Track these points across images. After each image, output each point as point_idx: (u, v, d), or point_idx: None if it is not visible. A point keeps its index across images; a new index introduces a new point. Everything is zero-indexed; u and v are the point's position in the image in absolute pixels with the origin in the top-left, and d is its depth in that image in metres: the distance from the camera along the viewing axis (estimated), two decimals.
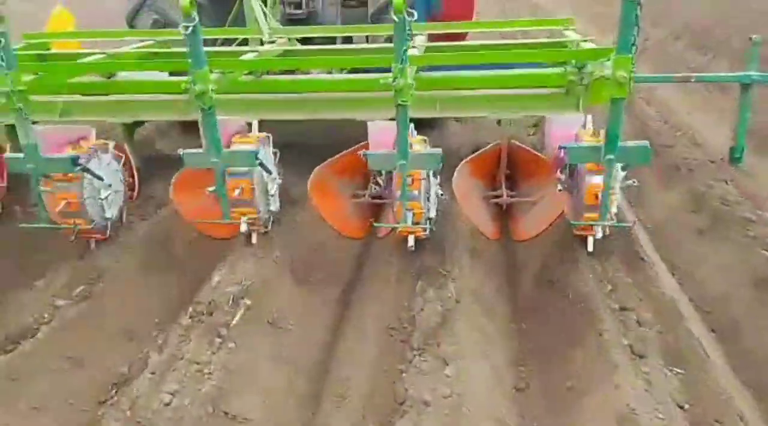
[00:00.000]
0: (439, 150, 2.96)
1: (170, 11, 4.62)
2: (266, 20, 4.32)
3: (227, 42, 4.62)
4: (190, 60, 2.74)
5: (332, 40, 4.58)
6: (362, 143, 3.17)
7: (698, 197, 3.75)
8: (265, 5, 4.45)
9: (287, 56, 3.96)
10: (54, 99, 3.61)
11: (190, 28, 2.62)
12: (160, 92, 3.59)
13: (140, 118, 3.90)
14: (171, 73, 3.66)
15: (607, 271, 3.03)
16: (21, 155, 2.99)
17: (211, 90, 2.77)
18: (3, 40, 2.76)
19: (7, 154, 3.19)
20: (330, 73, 3.98)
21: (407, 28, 2.59)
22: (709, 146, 4.58)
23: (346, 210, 3.47)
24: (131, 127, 3.95)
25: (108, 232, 3.34)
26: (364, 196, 3.42)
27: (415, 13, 2.58)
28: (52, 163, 3.03)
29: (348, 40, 4.70)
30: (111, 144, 3.38)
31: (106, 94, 3.71)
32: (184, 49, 2.78)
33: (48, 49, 4.46)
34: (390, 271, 3.20)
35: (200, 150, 2.98)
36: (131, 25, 4.84)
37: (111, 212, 3.34)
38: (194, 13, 2.61)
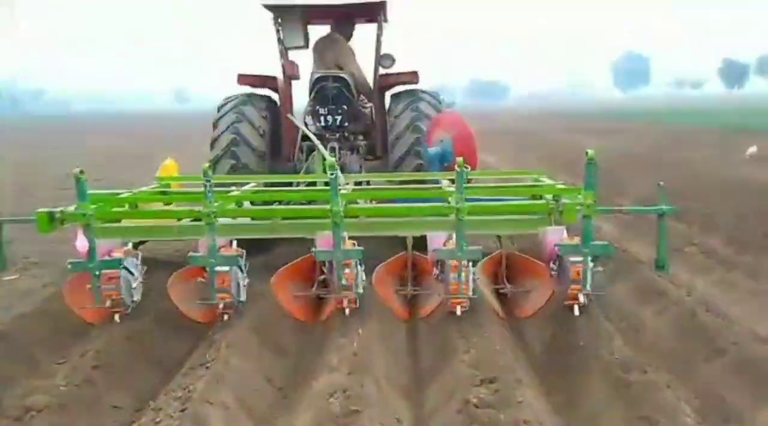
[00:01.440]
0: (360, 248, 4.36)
1: (243, 158, 6.49)
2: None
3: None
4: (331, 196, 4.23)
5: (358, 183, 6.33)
6: (305, 256, 4.52)
7: None
8: (324, 161, 6.19)
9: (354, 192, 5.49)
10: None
11: (333, 176, 4.18)
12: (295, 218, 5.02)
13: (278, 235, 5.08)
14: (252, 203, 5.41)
15: None
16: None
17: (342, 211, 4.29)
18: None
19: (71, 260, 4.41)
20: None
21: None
22: None
23: (296, 305, 4.57)
24: (137, 243, 5.09)
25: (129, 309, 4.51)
26: (310, 291, 4.64)
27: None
28: (106, 263, 4.36)
29: (367, 183, 6.57)
30: (138, 253, 4.66)
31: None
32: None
33: (168, 185, 6.38)
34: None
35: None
36: (213, 169, 5.83)
37: (137, 297, 4.57)
38: (336, 170, 4.19)
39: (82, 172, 4.26)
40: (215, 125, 6.70)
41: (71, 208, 4.64)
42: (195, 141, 24.81)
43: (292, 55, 7.31)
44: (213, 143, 6.65)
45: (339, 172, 4.25)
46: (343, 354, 3.73)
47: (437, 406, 3.38)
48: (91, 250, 4.33)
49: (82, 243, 4.47)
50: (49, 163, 17.52)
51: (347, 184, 5.44)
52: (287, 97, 7.23)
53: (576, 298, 4.28)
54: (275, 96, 7.26)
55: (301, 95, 7.37)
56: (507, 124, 36.95)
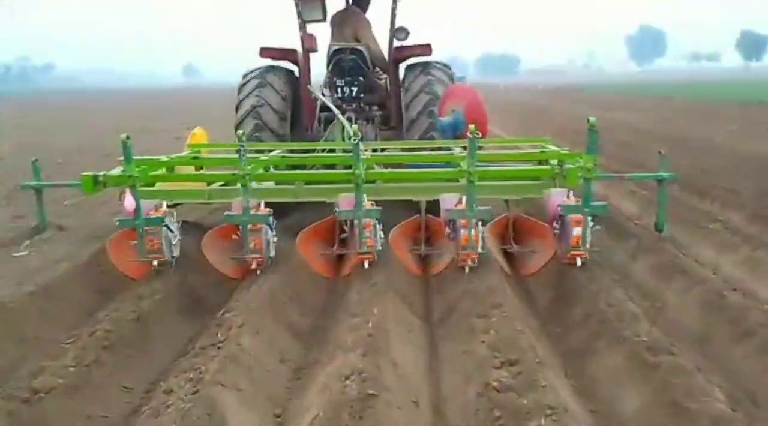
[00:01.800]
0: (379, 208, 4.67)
1: (266, 116, 6.78)
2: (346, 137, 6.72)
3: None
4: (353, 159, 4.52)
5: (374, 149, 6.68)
6: (327, 218, 5.01)
7: None
8: (342, 130, 6.88)
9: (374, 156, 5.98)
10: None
11: (356, 142, 4.50)
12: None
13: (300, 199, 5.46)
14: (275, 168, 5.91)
15: None
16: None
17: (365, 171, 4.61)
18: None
19: (119, 218, 4.81)
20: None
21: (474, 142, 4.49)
22: None
23: (319, 261, 4.97)
24: (172, 205, 5.33)
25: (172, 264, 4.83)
26: (331, 252, 5.05)
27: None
28: (150, 221, 4.66)
29: (382, 150, 6.87)
30: (174, 211, 4.98)
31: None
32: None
33: (199, 152, 6.78)
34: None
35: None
36: (237, 128, 6.50)
37: (177, 252, 4.88)
38: (359, 136, 4.56)
39: (128, 137, 4.57)
40: (240, 90, 7.00)
41: (114, 171, 5.27)
42: (202, 113, 24.81)
43: (310, 28, 7.54)
44: (237, 106, 6.94)
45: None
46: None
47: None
48: (138, 209, 4.66)
49: (129, 202, 4.78)
50: (53, 138, 17.44)
51: (365, 151, 5.55)
52: (306, 70, 7.48)
53: (576, 254, 4.65)
54: (295, 69, 7.49)
55: (318, 68, 7.68)
56: (518, 100, 36.36)
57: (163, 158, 5.92)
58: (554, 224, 4.83)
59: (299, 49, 7.47)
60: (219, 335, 3.69)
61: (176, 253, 4.86)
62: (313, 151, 6.62)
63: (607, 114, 21.57)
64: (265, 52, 7.30)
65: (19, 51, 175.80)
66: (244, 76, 7.15)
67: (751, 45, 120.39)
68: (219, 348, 3.54)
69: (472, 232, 4.48)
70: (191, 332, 4.20)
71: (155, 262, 4.74)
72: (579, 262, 4.64)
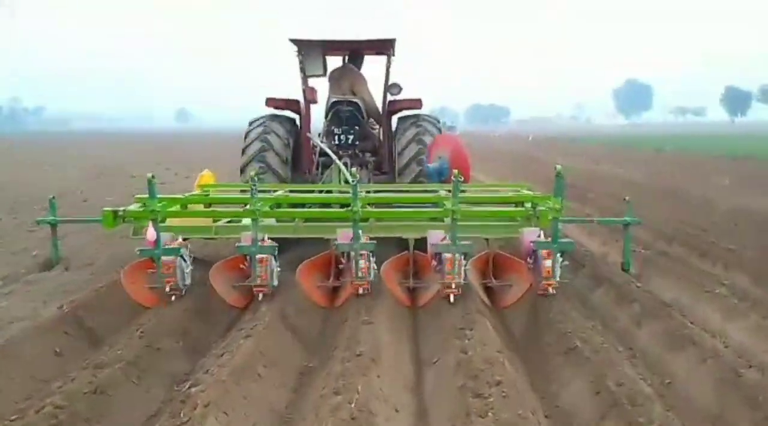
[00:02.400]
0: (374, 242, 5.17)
1: (269, 160, 7.31)
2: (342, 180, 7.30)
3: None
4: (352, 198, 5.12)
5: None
6: (326, 251, 5.54)
7: None
8: (339, 173, 7.39)
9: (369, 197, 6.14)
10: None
11: (354, 182, 5.12)
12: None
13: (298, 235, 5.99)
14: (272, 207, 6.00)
15: None
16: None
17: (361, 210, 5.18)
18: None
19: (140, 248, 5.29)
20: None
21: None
22: None
23: (317, 292, 5.36)
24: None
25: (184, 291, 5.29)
26: (327, 283, 5.50)
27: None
28: (168, 251, 5.17)
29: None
30: (187, 244, 5.44)
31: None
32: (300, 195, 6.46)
33: (208, 191, 7.36)
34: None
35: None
36: (242, 170, 7.37)
37: (188, 281, 5.33)
38: (357, 178, 5.22)
39: (153, 177, 5.11)
40: (246, 136, 7.63)
41: (132, 207, 5.79)
42: (192, 157, 24.65)
43: (311, 81, 8.29)
44: (244, 150, 7.54)
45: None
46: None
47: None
48: (158, 240, 5.14)
49: (151, 233, 5.26)
50: (35, 182, 17.09)
51: (361, 192, 5.76)
52: (307, 119, 8.14)
53: (547, 286, 5.15)
54: (296, 118, 8.14)
55: (317, 117, 8.39)
56: (510, 150, 36.54)
57: (179, 196, 6.53)
58: (528, 259, 5.32)
59: (301, 99, 8.13)
60: (182, 415, 3.28)
61: (188, 281, 5.33)
62: (313, 192, 7.25)
63: (598, 166, 21.59)
64: (270, 101, 7.90)
65: (10, 92, 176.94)
66: (250, 123, 7.78)
67: (735, 100, 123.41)
68: None
69: (456, 267, 4.96)
70: (153, 408, 3.76)
71: (168, 288, 5.13)
72: (551, 290, 5.14)
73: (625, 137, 52.98)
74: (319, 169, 8.03)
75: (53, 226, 6.58)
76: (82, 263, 6.94)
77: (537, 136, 59.82)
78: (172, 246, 5.23)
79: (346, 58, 8.44)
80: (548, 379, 4.10)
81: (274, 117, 7.81)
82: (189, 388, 3.61)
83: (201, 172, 7.88)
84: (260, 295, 5.16)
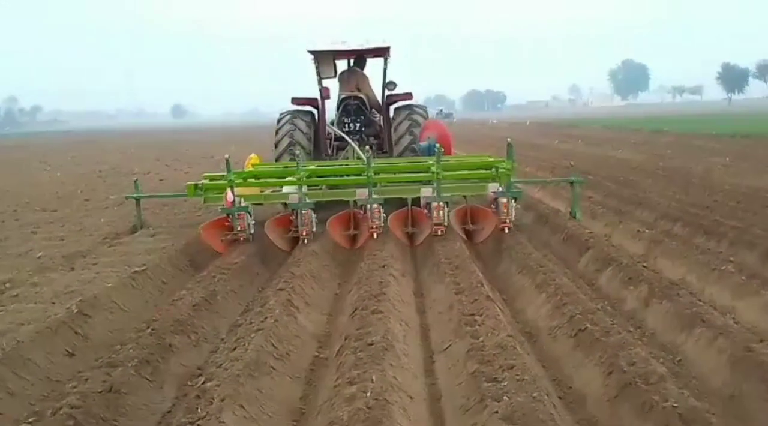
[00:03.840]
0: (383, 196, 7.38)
1: (296, 149, 8.75)
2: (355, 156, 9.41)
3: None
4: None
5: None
6: (346, 210, 7.52)
7: None
8: (353, 152, 9.56)
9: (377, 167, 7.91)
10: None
11: (369, 155, 7.41)
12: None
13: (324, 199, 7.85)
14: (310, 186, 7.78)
15: None
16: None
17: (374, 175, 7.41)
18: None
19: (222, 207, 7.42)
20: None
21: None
22: None
23: (342, 237, 7.37)
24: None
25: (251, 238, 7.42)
26: (348, 232, 7.47)
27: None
28: (241, 208, 7.32)
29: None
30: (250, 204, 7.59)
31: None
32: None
33: (255, 173, 8.71)
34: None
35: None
36: (277, 159, 9.46)
37: (252, 230, 7.42)
38: (370, 154, 7.48)
39: (229, 157, 7.38)
40: (277, 132, 9.59)
41: (204, 181, 8.09)
42: (191, 152, 24.67)
43: (325, 82, 10.18)
44: (276, 144, 9.54)
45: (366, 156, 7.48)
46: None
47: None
48: (234, 201, 7.31)
49: (230, 197, 7.35)
50: (36, 184, 17.06)
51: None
52: (323, 112, 10.09)
53: (505, 224, 7.41)
54: (314, 111, 10.00)
55: (329, 110, 10.41)
56: (509, 137, 36.44)
57: (245, 171, 8.61)
58: (492, 206, 7.69)
59: (318, 97, 10.03)
60: (199, 410, 3.29)
61: (252, 231, 7.44)
62: (334, 166, 8.86)
63: (599, 150, 21.54)
64: (295, 100, 9.90)
65: (6, 92, 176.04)
66: (279, 119, 9.72)
67: (732, 78, 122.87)
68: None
69: (441, 212, 7.21)
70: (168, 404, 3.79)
71: (242, 237, 7.29)
72: (506, 230, 7.38)
73: (623, 119, 52.83)
74: (334, 151, 10.16)
75: (137, 201, 8.78)
76: (155, 229, 8.77)
77: (534, 121, 59.63)
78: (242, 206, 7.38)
79: (352, 61, 10.46)
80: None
81: (296, 113, 9.69)
82: (204, 382, 3.64)
83: (250, 155, 9.75)
84: (305, 240, 7.19)
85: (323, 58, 9.96)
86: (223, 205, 7.38)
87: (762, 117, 41.79)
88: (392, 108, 9.96)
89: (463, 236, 7.36)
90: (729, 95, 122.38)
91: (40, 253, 7.51)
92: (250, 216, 7.39)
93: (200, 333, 4.77)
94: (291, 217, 7.32)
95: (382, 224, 7.26)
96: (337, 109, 10.17)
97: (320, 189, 7.97)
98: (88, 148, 38.72)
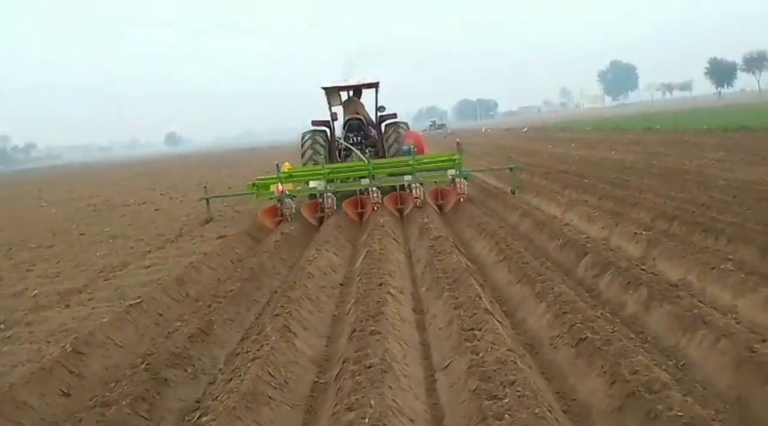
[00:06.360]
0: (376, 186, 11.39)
1: (317, 157, 12.50)
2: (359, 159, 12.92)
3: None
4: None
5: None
6: (354, 197, 11.38)
7: None
8: (357, 158, 13.16)
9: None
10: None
11: (368, 157, 12.52)
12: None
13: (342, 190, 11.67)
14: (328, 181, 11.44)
15: None
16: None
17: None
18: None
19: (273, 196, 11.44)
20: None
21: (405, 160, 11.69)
22: None
23: (354, 214, 11.03)
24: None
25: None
26: (357, 210, 11.13)
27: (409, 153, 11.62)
28: (287, 195, 11.21)
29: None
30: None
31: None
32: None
33: (291, 174, 11.89)
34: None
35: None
36: (304, 165, 12.79)
37: (293, 211, 11.11)
38: (370, 157, 12.55)
39: (278, 164, 11.24)
40: (302, 145, 13.14)
41: (256, 181, 11.94)
42: (186, 180, 24.69)
43: (334, 109, 14.07)
44: (303, 154, 13.02)
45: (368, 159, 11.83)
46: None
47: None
48: (283, 191, 11.01)
49: (280, 189, 11.06)
50: (31, 220, 16.99)
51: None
52: (333, 130, 14.00)
53: (460, 195, 11.24)
54: (327, 130, 13.81)
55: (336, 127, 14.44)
56: (506, 145, 36.47)
57: (285, 173, 11.54)
58: (451, 185, 11.58)
59: (329, 119, 13.99)
60: None
61: (294, 211, 11.00)
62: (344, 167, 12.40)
63: (593, 151, 21.56)
64: (315, 122, 13.77)
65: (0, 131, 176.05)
66: (303, 136, 13.35)
67: (720, 72, 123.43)
68: None
69: (419, 191, 11.05)
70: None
71: (288, 218, 10.82)
72: (461, 200, 11.19)
73: (615, 118, 52.97)
74: (342, 158, 13.56)
75: (207, 201, 12.54)
76: (228, 216, 12.76)
77: (516, 127, 59.76)
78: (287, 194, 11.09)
79: (351, 93, 14.36)
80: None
81: (315, 131, 13.42)
82: (199, 417, 3.57)
83: (284, 163, 12.22)
84: (329, 215, 10.72)
85: (332, 92, 13.76)
86: (273, 195, 11.20)
87: (751, 109, 41.94)
88: (383, 124, 13.98)
89: (436, 208, 11.09)
90: (718, 89, 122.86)
91: (35, 291, 7.45)
92: (293, 202, 11.10)
93: (198, 365, 4.71)
94: (318, 201, 10.99)
95: (380, 202, 10.95)
96: (343, 127, 13.92)
97: (336, 182, 11.53)
98: (82, 181, 38.72)
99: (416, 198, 10.90)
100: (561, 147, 25.88)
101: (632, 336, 4.43)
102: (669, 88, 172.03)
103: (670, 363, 4.04)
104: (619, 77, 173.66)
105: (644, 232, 7.18)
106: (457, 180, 11.26)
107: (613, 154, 19.38)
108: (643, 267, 5.93)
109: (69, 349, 4.77)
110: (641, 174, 13.04)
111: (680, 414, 3.04)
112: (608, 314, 5.02)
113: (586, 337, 4.17)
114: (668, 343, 4.40)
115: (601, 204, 9.75)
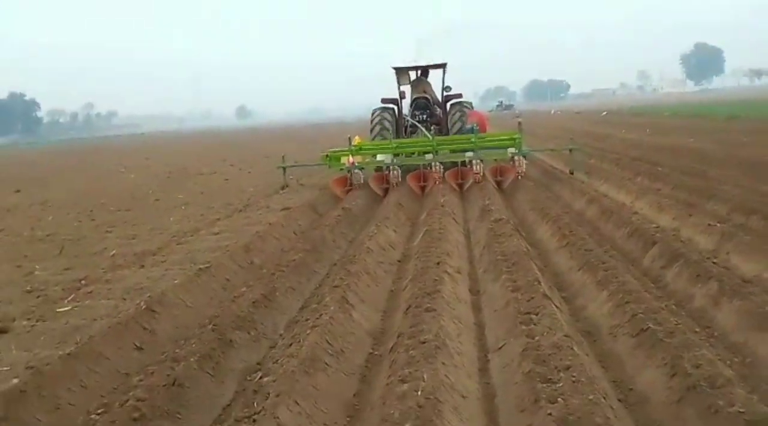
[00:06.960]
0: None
1: (384, 133, 13.39)
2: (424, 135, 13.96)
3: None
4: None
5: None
6: (417, 170, 11.98)
7: None
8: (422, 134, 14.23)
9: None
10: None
11: (432, 134, 13.62)
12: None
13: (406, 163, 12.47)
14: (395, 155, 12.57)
15: None
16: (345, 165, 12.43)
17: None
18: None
19: (343, 167, 12.50)
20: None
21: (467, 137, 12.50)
22: None
23: (416, 187, 11.80)
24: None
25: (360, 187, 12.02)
26: (420, 183, 11.88)
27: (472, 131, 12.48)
28: (356, 166, 12.26)
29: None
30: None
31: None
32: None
33: (361, 147, 12.85)
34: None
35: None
36: (373, 140, 13.82)
37: (362, 181, 12.10)
38: (434, 134, 13.64)
39: (350, 137, 12.50)
40: (372, 121, 14.00)
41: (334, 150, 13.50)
42: (254, 152, 25.43)
43: (402, 88, 15.04)
44: (372, 129, 13.85)
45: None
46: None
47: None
48: (353, 163, 11.96)
49: (350, 160, 12.02)
50: (111, 186, 17.90)
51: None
52: (401, 108, 14.89)
53: (518, 173, 11.87)
54: (395, 107, 14.60)
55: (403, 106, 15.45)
56: (577, 130, 35.35)
57: (355, 146, 12.44)
58: (511, 162, 12.05)
59: (398, 97, 14.90)
60: (255, 405, 3.39)
61: (362, 181, 11.86)
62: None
63: (670, 138, 20.62)
64: (383, 100, 14.50)
65: (84, 99, 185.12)
66: (372, 112, 14.30)
67: None
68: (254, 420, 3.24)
69: (480, 167, 11.70)
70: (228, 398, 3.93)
71: (357, 187, 11.73)
72: (519, 177, 11.78)
73: (696, 105, 50.27)
74: (408, 134, 14.40)
75: (284, 169, 13.56)
76: (293, 188, 13.50)
77: (582, 111, 57.68)
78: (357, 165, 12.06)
79: (420, 73, 15.23)
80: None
81: (384, 108, 14.22)
82: (261, 378, 3.74)
83: (355, 136, 13.06)
84: (395, 186, 11.59)
85: (401, 72, 14.89)
86: (344, 166, 12.11)
87: None
88: (448, 104, 14.71)
89: (495, 184, 11.76)
90: None
91: (114, 252, 7.93)
92: (361, 173, 11.97)
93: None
94: (385, 173, 12.00)
95: (442, 177, 11.54)
96: (410, 105, 14.85)
97: (402, 156, 12.27)
98: (159, 150, 40.41)
99: (476, 174, 11.50)
100: (635, 133, 24.87)
101: (697, 330, 4.30)
102: (758, 73, 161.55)
103: (736, 359, 3.91)
104: (704, 61, 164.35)
105: (719, 225, 6.87)
106: (516, 158, 11.84)
107: (691, 142, 18.47)
108: (715, 260, 5.70)
109: (143, 307, 5.08)
110: (720, 164, 12.40)
111: (742, 410, 2.95)
112: (674, 307, 4.88)
113: (648, 328, 4.08)
114: (736, 339, 4.24)
115: (674, 194, 9.38)
